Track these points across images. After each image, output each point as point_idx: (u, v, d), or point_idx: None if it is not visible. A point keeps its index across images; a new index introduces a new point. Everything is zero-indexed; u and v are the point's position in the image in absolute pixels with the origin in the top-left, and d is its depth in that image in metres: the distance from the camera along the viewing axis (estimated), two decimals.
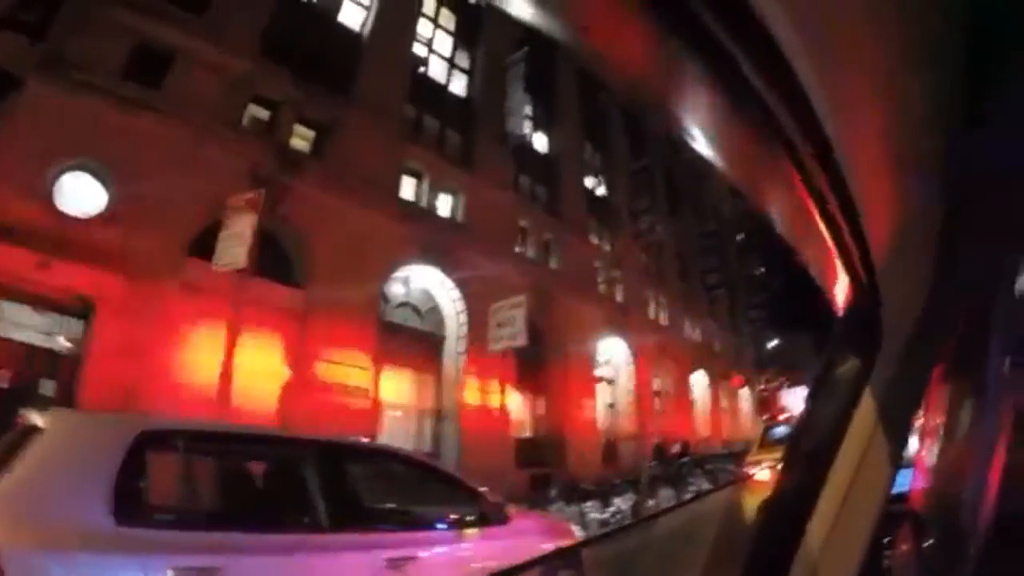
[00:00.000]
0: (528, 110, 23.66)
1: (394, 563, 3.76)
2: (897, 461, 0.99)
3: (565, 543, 5.45)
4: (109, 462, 2.95)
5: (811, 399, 1.24)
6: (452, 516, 4.47)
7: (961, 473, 0.96)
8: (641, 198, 30.45)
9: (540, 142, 24.82)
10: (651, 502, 14.26)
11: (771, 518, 1.23)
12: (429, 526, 4.46)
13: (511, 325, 14.81)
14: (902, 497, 1.12)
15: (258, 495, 4.02)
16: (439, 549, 4.29)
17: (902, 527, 1.14)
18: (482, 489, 4.87)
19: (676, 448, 24.89)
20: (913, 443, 1.02)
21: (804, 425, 1.25)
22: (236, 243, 10.35)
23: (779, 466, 1.35)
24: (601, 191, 28.53)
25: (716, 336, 38.84)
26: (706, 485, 17.90)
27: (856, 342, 0.97)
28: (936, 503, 1.05)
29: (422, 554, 4.03)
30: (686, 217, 35.97)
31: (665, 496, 15.44)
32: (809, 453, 1.14)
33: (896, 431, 0.99)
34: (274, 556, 3.29)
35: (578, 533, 6.04)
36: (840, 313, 1.05)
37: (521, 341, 14.20)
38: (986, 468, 0.81)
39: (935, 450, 1.12)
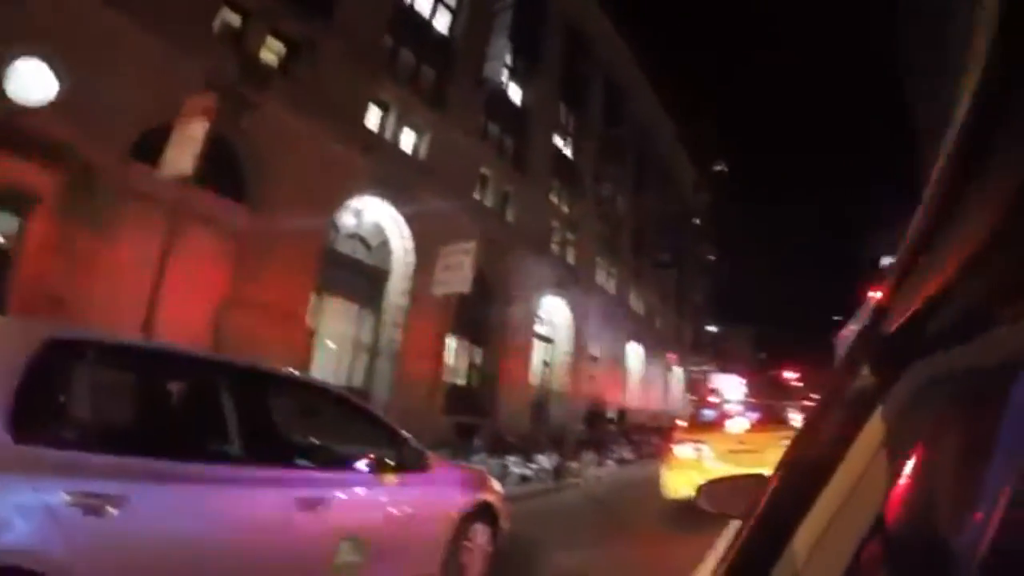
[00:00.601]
0: (508, 59, 23.13)
1: (306, 502, 3.64)
2: (893, 485, 0.97)
3: (483, 496, 5.43)
4: (8, 371, 2.68)
5: (821, 407, 1.20)
6: (372, 459, 4.30)
7: (953, 511, 0.90)
8: (608, 166, 30.34)
9: (515, 93, 24.30)
10: (573, 463, 14.49)
11: (760, 521, 1.18)
12: (347, 467, 4.30)
13: (458, 270, 14.62)
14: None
15: (170, 419, 3.76)
16: (354, 492, 4.16)
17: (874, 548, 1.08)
18: (405, 434, 4.75)
19: (613, 414, 25.49)
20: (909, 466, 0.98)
21: (809, 431, 1.21)
22: (185, 149, 9.80)
23: (776, 467, 1.28)
24: (569, 152, 28.23)
25: (658, 312, 39.50)
26: (628, 454, 18.34)
27: (878, 361, 0.92)
28: (918, 536, 0.97)
29: (336, 496, 3.91)
30: (649, 193, 36.15)
31: (588, 459, 15.74)
32: (809, 461, 1.11)
33: (898, 455, 0.97)
34: (182, 485, 3.09)
35: (497, 487, 5.98)
36: (868, 326, 0.99)
37: (465, 288, 14.03)
38: (984, 513, 0.74)
39: (928, 480, 1.02)
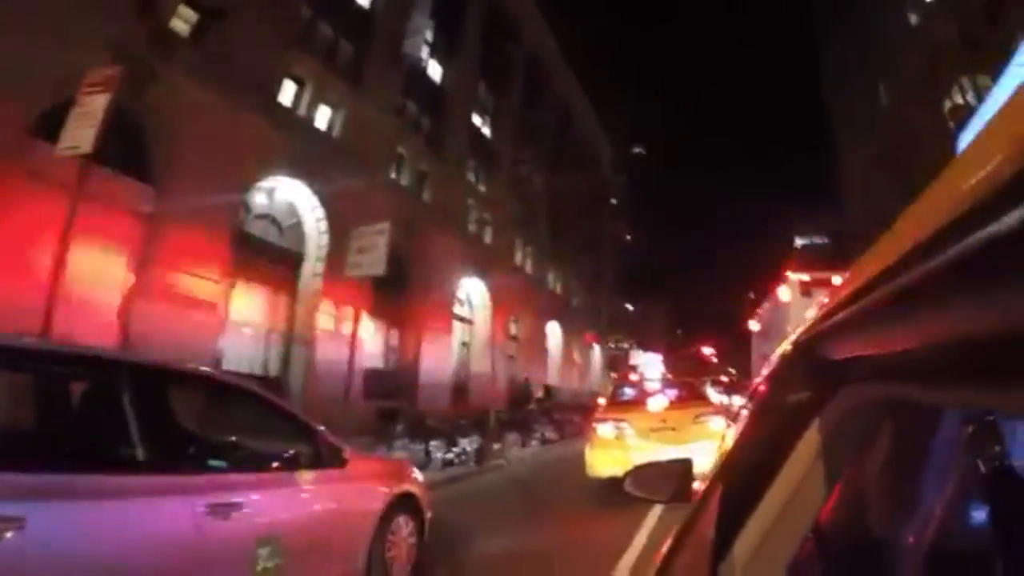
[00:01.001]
0: (429, 35, 22.65)
1: (217, 509, 3.34)
2: (829, 491, 1.01)
3: (404, 487, 5.24)
4: None
5: (756, 416, 1.27)
6: (285, 457, 4.04)
7: (883, 516, 1.02)
8: (527, 147, 30.29)
9: (435, 71, 23.82)
10: (496, 445, 14.41)
11: (705, 520, 1.27)
12: (261, 467, 4.00)
13: (372, 252, 14.22)
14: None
15: (66, 427, 3.39)
16: (270, 493, 3.87)
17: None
18: (320, 428, 4.51)
19: (540, 392, 25.68)
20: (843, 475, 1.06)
21: (750, 437, 1.28)
22: (85, 124, 9.09)
23: (710, 477, 1.39)
24: (487, 132, 27.96)
25: (576, 292, 39.96)
26: (551, 434, 18.42)
27: (816, 379, 0.93)
28: (850, 538, 1.10)
29: (250, 499, 3.63)
30: (567, 174, 36.37)
31: (511, 440, 15.69)
32: (750, 467, 1.14)
33: (833, 465, 1.00)
34: (82, 501, 2.74)
35: (418, 476, 5.79)
36: (806, 345, 1.02)
37: (380, 270, 13.62)
38: (921, 519, 0.89)
39: (860, 488, 1.16)
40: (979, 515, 1.06)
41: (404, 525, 5.19)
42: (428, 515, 5.61)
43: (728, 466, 1.33)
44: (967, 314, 0.41)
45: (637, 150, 56.39)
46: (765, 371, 1.58)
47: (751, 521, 1.07)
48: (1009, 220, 0.31)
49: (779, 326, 14.41)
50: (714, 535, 1.14)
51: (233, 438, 4.38)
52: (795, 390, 1.05)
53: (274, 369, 15.61)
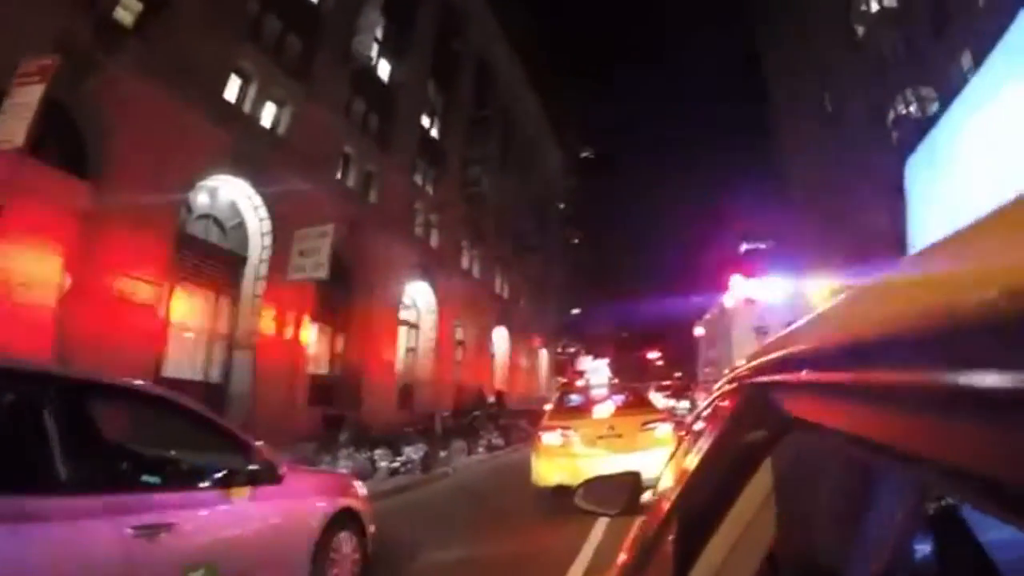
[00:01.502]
0: (379, 33, 22.36)
1: (145, 531, 3.14)
2: (782, 525, 1.06)
3: (346, 502, 5.08)
4: None
5: (712, 449, 1.32)
6: (219, 474, 3.86)
7: (844, 548, 1.06)
8: (475, 148, 30.17)
9: (384, 69, 23.49)
10: (442, 453, 14.23)
11: (655, 555, 1.34)
12: (193, 486, 3.81)
13: (315, 255, 13.91)
14: None
15: None
16: (202, 513, 3.68)
17: None
18: (258, 443, 4.33)
19: (492, 398, 25.58)
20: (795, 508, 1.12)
21: (702, 471, 1.34)
22: (17, 117, 8.73)
23: (666, 508, 1.47)
24: (435, 133, 27.76)
25: (523, 296, 39.98)
26: (498, 440, 18.31)
27: (768, 422, 0.96)
28: (804, 569, 1.12)
29: (181, 520, 3.42)
30: (515, 177, 36.39)
31: (457, 447, 15.53)
32: (707, 499, 1.21)
33: (785, 499, 1.05)
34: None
35: (360, 489, 5.61)
36: (760, 392, 1.07)
37: (322, 274, 13.29)
38: (870, 552, 0.93)
39: (810, 522, 1.19)
40: (924, 550, 1.14)
41: (346, 542, 5.04)
42: (371, 530, 5.46)
43: (686, 494, 1.39)
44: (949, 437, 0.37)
45: (586, 154, 56.86)
46: (718, 394, 1.71)
47: (708, 547, 1.10)
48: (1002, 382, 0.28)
49: (724, 332, 14.59)
50: (672, 563, 1.19)
51: (164, 455, 4.16)
52: (749, 428, 1.08)
53: (216, 375, 15.08)
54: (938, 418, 0.41)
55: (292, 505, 4.46)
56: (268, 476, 4.19)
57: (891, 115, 28.15)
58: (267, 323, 15.70)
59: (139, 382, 4.28)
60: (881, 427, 0.54)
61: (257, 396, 14.52)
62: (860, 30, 30.77)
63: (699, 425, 1.89)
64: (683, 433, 2.51)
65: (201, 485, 3.79)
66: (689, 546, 1.15)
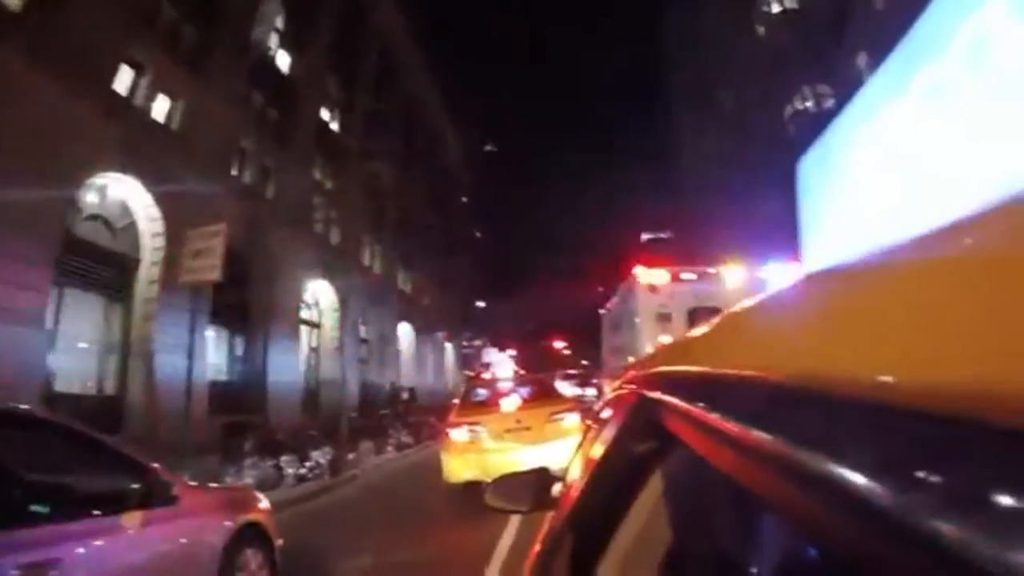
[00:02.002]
0: (279, 23, 21.60)
1: (32, 569, 2.91)
2: (679, 524, 1.10)
3: (249, 517, 4.90)
4: None
5: (604, 461, 1.39)
6: (110, 499, 3.65)
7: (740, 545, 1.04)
8: (376, 142, 29.63)
9: (284, 61, 22.67)
10: (351, 455, 13.98)
11: (559, 554, 1.39)
12: (81, 515, 3.50)
13: (208, 256, 13.10)
14: None
15: None
16: (93, 544, 3.43)
17: None
18: (153, 464, 4.07)
19: (406, 394, 25.29)
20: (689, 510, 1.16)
21: (596, 485, 1.41)
22: None
23: (563, 518, 1.57)
24: (336, 126, 27.10)
25: (427, 291, 39.76)
26: (406, 438, 18.14)
27: (657, 434, 1.02)
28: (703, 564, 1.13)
29: (70, 553, 3.18)
30: (417, 171, 36.04)
31: (365, 448, 15.29)
32: (602, 505, 1.28)
33: (679, 503, 1.09)
34: None
35: (264, 502, 5.44)
36: (648, 408, 1.13)
37: (216, 275, 12.52)
38: (766, 550, 0.91)
39: (702, 523, 1.18)
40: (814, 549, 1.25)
41: (252, 558, 4.86)
42: (278, 543, 5.28)
43: (584, 498, 1.45)
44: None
45: (488, 148, 56.97)
46: (613, 396, 1.77)
47: (612, 546, 1.16)
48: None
49: (628, 319, 15.02)
50: (578, 562, 1.24)
51: (47, 482, 3.83)
52: (639, 440, 1.14)
53: (111, 387, 14.21)
54: (768, 467, 0.44)
55: (190, 525, 4.23)
56: (162, 497, 3.94)
57: (788, 110, 29.47)
58: (162, 329, 14.89)
59: (19, 405, 3.95)
60: (733, 467, 0.56)
61: (154, 407, 13.78)
62: (760, 29, 32.03)
63: (606, 413, 1.90)
64: (589, 422, 2.51)
65: (89, 513, 3.51)
66: (592, 546, 1.20)
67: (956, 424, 0.26)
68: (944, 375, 0.29)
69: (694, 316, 12.15)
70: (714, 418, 0.59)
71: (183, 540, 4.12)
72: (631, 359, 13.22)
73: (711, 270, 13.75)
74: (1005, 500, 0.21)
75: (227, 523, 4.60)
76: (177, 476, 4.54)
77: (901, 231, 0.49)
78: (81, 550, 3.28)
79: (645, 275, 14.17)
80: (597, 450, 1.61)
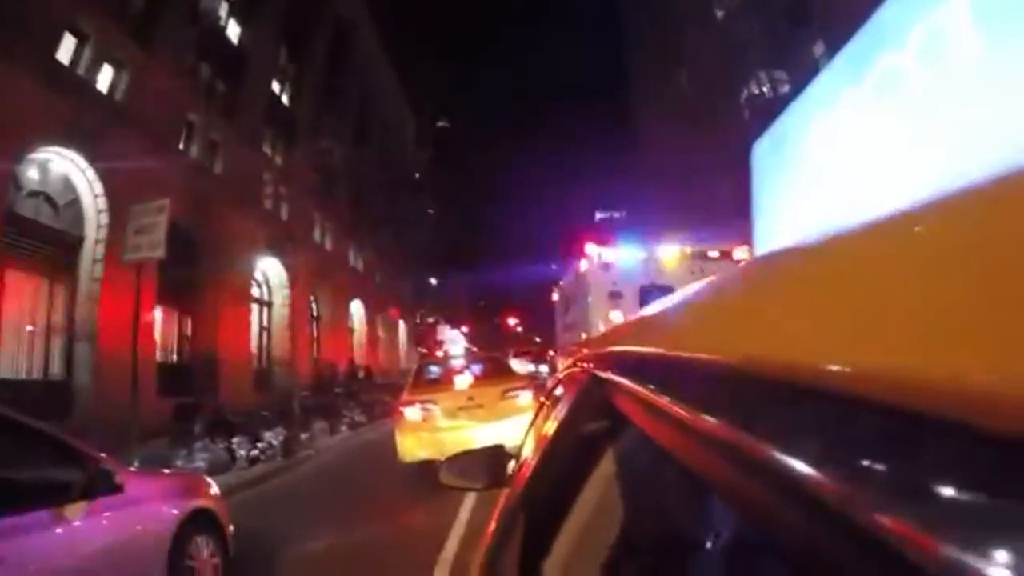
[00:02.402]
0: None
1: None
2: (633, 502, 1.09)
3: (198, 503, 4.86)
4: None
5: (556, 440, 1.40)
6: (50, 490, 3.53)
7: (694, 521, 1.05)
8: (328, 117, 29.07)
9: (233, 32, 21.97)
10: (304, 435, 13.87)
11: (505, 554, 1.38)
12: (19, 508, 3.29)
13: (151, 232, 12.69)
14: None
15: None
16: (30, 540, 3.26)
17: None
18: (99, 454, 3.97)
19: (361, 373, 25.10)
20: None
21: (548, 463, 1.42)
22: None
23: (517, 495, 1.59)
24: (286, 100, 26.49)
25: (379, 268, 39.40)
26: (360, 417, 18.06)
27: (608, 413, 1.02)
28: (654, 545, 1.15)
29: (9, 550, 3.07)
30: (369, 147, 35.49)
31: (319, 428, 15.18)
32: (554, 486, 1.29)
33: (629, 482, 1.09)
34: None
35: (213, 487, 5.38)
36: (599, 390, 1.14)
37: (160, 253, 12.17)
38: (719, 523, 0.94)
39: (654, 502, 1.20)
40: None
41: (203, 545, 4.80)
42: (230, 528, 5.23)
43: (537, 476, 1.47)
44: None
45: (441, 123, 56.45)
46: (565, 373, 1.78)
47: (565, 527, 1.16)
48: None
49: (581, 297, 15.18)
50: (531, 541, 1.24)
51: None
52: (591, 419, 1.14)
53: (57, 372, 13.80)
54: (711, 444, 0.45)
55: (137, 514, 4.11)
56: (105, 486, 3.82)
57: (744, 94, 29.80)
58: (108, 310, 14.47)
59: None
60: (681, 449, 0.56)
61: (102, 391, 13.41)
62: (719, 13, 32.20)
63: (559, 391, 1.94)
64: (543, 399, 2.51)
65: (27, 507, 3.32)
66: (545, 527, 1.20)
67: (897, 413, 0.26)
68: (888, 362, 0.29)
69: (645, 294, 12.31)
70: (663, 401, 0.59)
71: (130, 529, 4.00)
72: (584, 336, 13.40)
73: (662, 249, 13.95)
74: (939, 489, 0.22)
75: (175, 511, 4.50)
76: (121, 464, 4.46)
77: (852, 215, 0.50)
78: (19, 547, 3.14)
79: (597, 253, 14.33)
80: (550, 428, 1.62)
